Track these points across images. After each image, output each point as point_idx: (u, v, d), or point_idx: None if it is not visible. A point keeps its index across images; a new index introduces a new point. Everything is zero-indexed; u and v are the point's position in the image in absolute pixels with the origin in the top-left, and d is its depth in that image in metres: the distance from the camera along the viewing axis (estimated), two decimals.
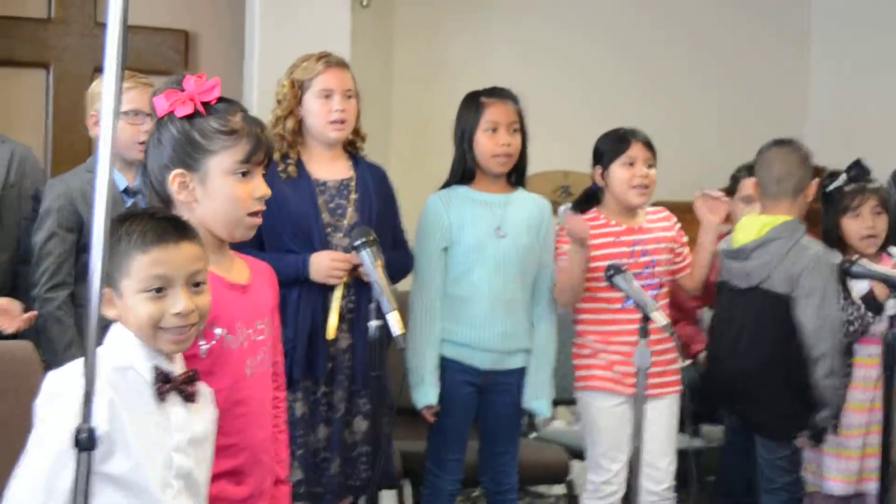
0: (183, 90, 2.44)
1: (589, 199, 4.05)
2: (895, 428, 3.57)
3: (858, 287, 3.98)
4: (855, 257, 3.93)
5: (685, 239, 4.13)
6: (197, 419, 2.24)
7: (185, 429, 2.21)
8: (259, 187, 2.50)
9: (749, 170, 4.67)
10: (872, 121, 6.24)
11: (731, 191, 4.87)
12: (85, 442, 1.89)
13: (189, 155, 2.43)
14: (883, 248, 4.17)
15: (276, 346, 2.68)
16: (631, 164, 3.99)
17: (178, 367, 2.24)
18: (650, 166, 4.01)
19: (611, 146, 4.00)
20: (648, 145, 4.04)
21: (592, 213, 3.97)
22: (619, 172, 3.97)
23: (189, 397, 2.22)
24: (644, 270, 3.93)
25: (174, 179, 2.42)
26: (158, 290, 2.16)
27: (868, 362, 4.04)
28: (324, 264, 3.67)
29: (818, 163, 4.41)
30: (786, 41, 6.85)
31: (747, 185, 4.68)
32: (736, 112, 6.59)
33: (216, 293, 2.37)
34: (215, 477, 2.39)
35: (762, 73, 6.69)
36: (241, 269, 2.56)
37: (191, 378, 2.22)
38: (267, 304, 2.61)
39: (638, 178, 3.99)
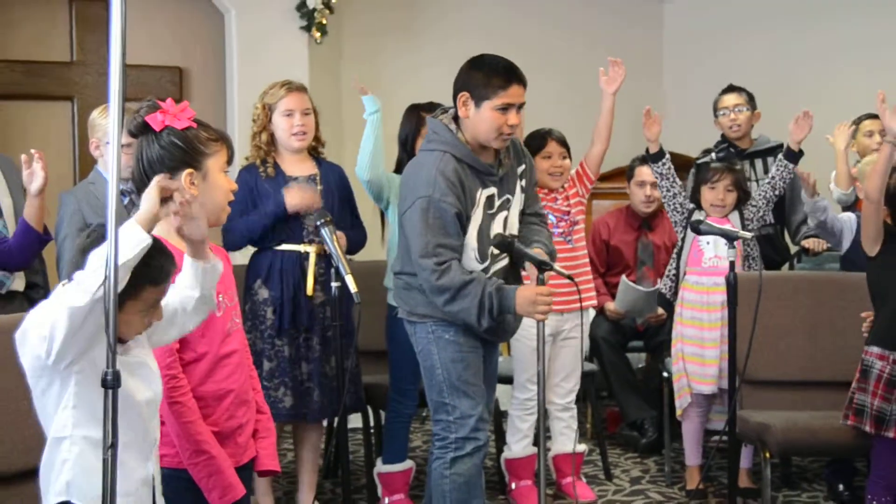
0: (165, 110, 2.61)
1: None
2: (738, 347, 4.10)
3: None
4: (703, 216, 4.59)
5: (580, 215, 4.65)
6: None
7: None
8: (231, 181, 2.72)
9: (642, 160, 5.20)
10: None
11: (628, 178, 5.51)
12: (110, 382, 2.01)
13: (194, 158, 2.60)
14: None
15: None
16: (548, 157, 4.59)
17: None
18: (564, 158, 4.60)
19: (533, 143, 4.52)
20: (561, 142, 4.61)
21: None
22: (539, 163, 4.54)
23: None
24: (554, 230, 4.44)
25: (187, 178, 2.58)
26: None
27: (694, 288, 4.69)
28: (295, 193, 4.13)
29: (673, 149, 4.98)
30: (641, 52, 7.23)
31: (642, 172, 5.37)
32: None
33: None
34: (214, 414, 2.70)
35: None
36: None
37: None
38: (231, 276, 2.81)
39: (552, 167, 4.59)
